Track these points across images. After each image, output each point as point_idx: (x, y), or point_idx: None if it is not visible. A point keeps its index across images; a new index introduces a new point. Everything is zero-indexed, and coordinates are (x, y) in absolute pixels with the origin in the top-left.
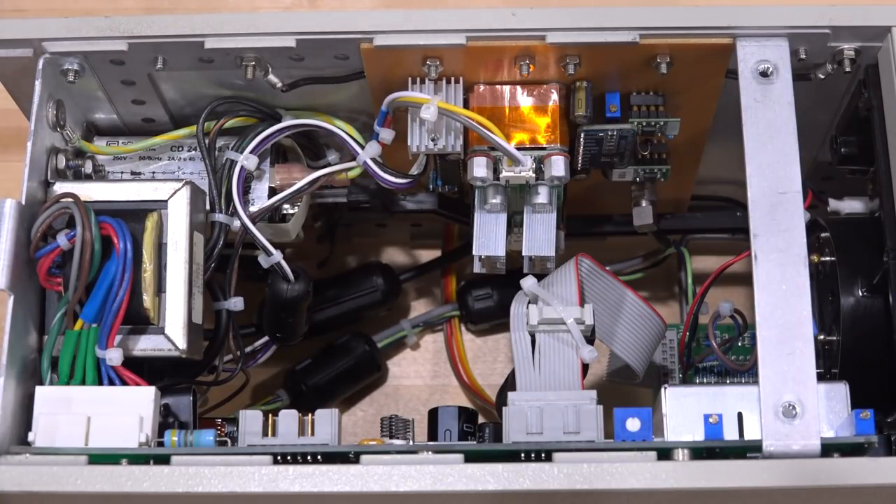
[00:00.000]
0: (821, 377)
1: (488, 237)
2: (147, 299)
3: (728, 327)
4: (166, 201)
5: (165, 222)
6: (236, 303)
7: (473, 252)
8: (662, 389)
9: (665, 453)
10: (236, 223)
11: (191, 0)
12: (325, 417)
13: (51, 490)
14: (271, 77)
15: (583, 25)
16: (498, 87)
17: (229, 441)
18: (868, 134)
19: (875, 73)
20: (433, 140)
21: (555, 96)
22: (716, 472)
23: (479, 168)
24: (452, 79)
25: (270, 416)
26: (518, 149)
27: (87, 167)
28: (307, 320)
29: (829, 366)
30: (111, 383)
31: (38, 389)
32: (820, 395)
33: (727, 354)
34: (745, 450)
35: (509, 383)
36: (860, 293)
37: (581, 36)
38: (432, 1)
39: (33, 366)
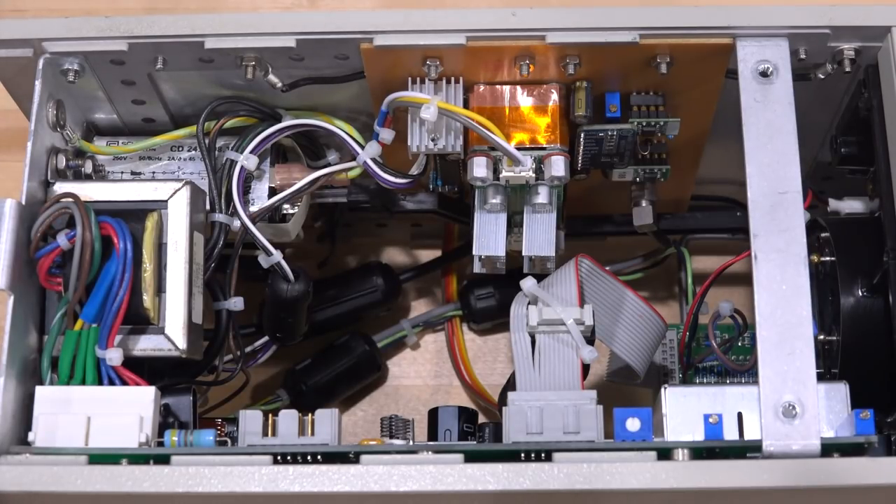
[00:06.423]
0: (821, 377)
1: (488, 237)
2: (147, 299)
3: (728, 327)
4: (166, 201)
5: (165, 222)
6: (236, 303)
7: (473, 252)
8: (662, 389)
9: (665, 453)
10: (236, 223)
11: (191, 0)
12: (325, 417)
13: (51, 490)
14: (271, 77)
15: (583, 25)
16: (498, 87)
17: (229, 441)
18: (868, 134)
19: (875, 73)
20: (433, 140)
21: (555, 96)
22: (716, 472)
23: (479, 168)
24: (452, 79)
25: (270, 416)
26: (518, 149)
27: (87, 167)
28: (307, 320)
29: (829, 366)
30: (111, 383)
31: (38, 389)
32: (820, 395)
33: (727, 354)
34: (745, 450)
35: (511, 384)
36: (860, 293)
37: (581, 36)
38: (432, 1)
39: (33, 366)
